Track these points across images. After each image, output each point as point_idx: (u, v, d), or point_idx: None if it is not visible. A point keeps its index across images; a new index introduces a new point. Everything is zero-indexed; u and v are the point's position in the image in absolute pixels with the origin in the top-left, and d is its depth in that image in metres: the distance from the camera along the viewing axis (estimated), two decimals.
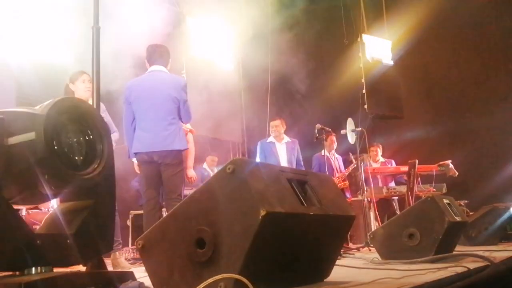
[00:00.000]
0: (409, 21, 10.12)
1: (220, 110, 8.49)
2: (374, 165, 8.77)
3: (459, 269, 2.96)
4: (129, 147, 4.78)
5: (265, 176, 2.21)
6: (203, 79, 8.34)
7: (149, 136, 4.60)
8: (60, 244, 1.43)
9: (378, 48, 10.66)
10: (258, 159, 7.10)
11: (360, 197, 7.90)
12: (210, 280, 1.73)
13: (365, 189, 7.62)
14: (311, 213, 2.33)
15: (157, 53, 4.85)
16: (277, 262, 2.24)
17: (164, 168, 4.65)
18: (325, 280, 2.67)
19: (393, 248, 4.02)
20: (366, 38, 10.50)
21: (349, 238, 7.62)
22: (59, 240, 1.42)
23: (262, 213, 2.00)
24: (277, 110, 8.94)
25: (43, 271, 1.42)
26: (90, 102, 4.70)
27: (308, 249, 2.43)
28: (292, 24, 9.38)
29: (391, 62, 10.80)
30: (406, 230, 3.97)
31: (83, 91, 4.64)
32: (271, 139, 7.32)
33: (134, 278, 1.48)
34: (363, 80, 10.09)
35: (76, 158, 1.43)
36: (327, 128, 7.32)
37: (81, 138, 1.45)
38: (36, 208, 5.56)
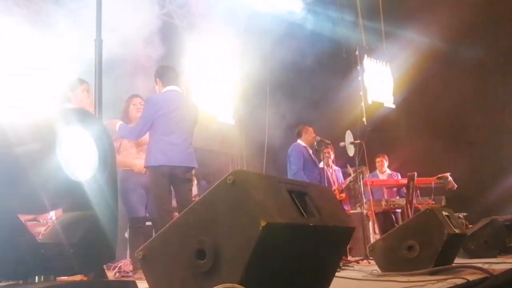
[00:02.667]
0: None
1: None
2: (381, 177, 8.78)
3: (459, 281, 2.98)
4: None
5: (266, 187, 2.22)
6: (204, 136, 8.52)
7: (177, 150, 4.83)
8: (63, 254, 1.44)
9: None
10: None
11: (359, 210, 7.92)
12: None
13: (364, 201, 7.65)
14: (311, 224, 2.34)
15: (172, 73, 5.15)
16: (277, 273, 2.24)
17: (181, 183, 4.89)
18: None
19: (392, 260, 4.02)
20: (366, 63, 10.58)
21: (348, 251, 7.60)
22: (62, 249, 1.43)
23: (263, 224, 2.00)
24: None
25: (46, 280, 1.43)
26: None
27: (308, 260, 2.44)
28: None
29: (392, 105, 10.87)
30: (405, 242, 3.98)
31: (82, 100, 4.69)
32: None
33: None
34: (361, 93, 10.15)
35: (79, 167, 1.44)
36: (327, 141, 7.35)
37: (83, 148, 1.46)
38: (35, 219, 5.56)
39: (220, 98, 9.81)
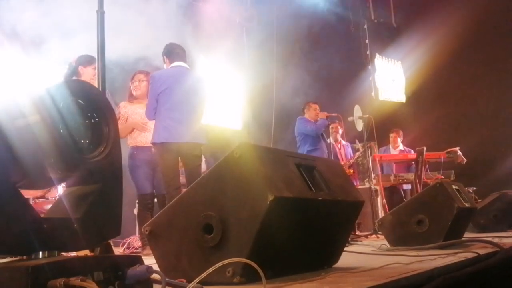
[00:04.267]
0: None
1: None
2: (393, 152, 8.71)
3: (469, 255, 2.95)
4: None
5: (273, 161, 2.19)
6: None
7: (181, 127, 4.74)
8: (67, 229, 1.41)
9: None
10: None
11: (367, 185, 7.88)
12: (218, 265, 1.71)
13: (373, 176, 7.61)
14: (320, 198, 2.31)
15: (177, 49, 5.06)
16: (285, 247, 2.22)
17: (188, 159, 4.83)
18: (333, 266, 2.65)
19: (401, 234, 3.99)
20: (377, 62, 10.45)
21: (356, 226, 7.60)
22: (66, 224, 1.41)
23: (270, 198, 1.98)
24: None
25: (50, 255, 1.40)
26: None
27: (317, 234, 2.41)
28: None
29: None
30: (415, 216, 3.94)
31: (91, 78, 4.65)
32: None
33: (142, 263, 1.46)
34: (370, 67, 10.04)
35: (82, 141, 1.41)
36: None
37: (86, 121, 1.43)
38: (43, 197, 5.58)
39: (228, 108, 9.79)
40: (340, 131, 8.04)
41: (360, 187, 8.21)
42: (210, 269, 1.66)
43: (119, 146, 1.57)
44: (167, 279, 1.60)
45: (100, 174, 1.50)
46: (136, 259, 1.46)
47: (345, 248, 3.80)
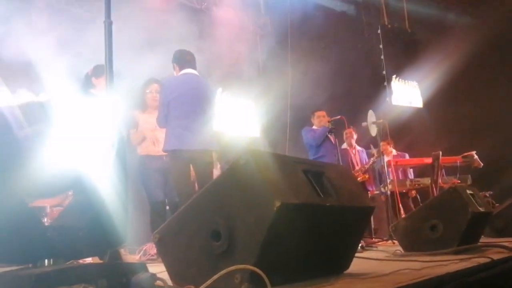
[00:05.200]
0: None
1: None
2: (386, 158, 8.59)
3: (482, 260, 2.91)
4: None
5: (280, 167, 2.19)
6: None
7: (191, 134, 4.75)
8: (71, 237, 1.43)
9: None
10: None
11: (382, 190, 7.82)
12: (223, 272, 1.71)
13: (388, 181, 7.54)
14: (328, 204, 2.31)
15: (187, 57, 5.07)
16: (294, 254, 2.21)
17: (200, 166, 4.83)
18: (344, 272, 2.64)
19: (415, 240, 3.96)
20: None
21: (373, 231, 7.55)
22: (70, 232, 1.43)
23: (277, 204, 1.97)
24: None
25: (55, 263, 1.42)
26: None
27: (326, 241, 2.40)
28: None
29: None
30: (429, 221, 3.90)
31: (105, 88, 4.68)
32: None
33: (146, 270, 1.47)
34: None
35: None
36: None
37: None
38: (60, 205, 5.63)
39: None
40: (355, 136, 8.00)
41: (376, 192, 8.16)
42: (215, 276, 1.67)
43: (124, 155, 1.58)
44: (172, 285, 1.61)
45: (104, 184, 1.52)
46: (140, 267, 1.47)
47: (359, 254, 3.80)
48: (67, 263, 1.46)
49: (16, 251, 1.35)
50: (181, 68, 5.04)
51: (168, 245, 2.29)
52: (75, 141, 1.41)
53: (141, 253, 5.30)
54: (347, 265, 2.65)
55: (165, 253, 2.31)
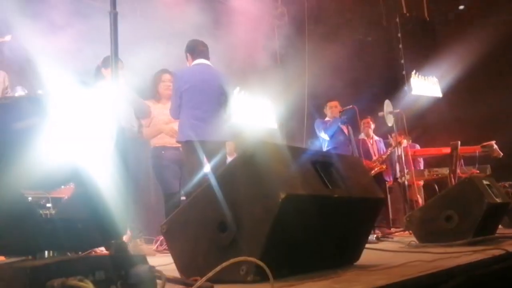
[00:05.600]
0: None
1: None
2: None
3: (497, 252, 2.86)
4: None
5: (287, 158, 2.17)
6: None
7: (205, 125, 4.75)
8: (71, 229, 1.43)
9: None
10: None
11: (400, 180, 7.74)
12: (224, 264, 1.70)
13: (406, 172, 7.47)
14: (336, 196, 2.28)
15: (200, 47, 5.05)
16: (301, 245, 2.20)
17: (212, 158, 4.78)
18: (355, 263, 2.62)
19: (430, 231, 3.91)
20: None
21: (391, 222, 7.50)
22: (69, 225, 1.43)
23: (282, 195, 1.96)
24: None
25: (55, 255, 1.42)
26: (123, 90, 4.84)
27: (335, 232, 2.38)
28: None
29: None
30: (444, 212, 3.85)
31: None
32: None
33: (146, 262, 1.47)
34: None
35: None
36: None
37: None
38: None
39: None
40: (372, 126, 7.91)
41: (394, 182, 8.09)
42: (217, 268, 1.66)
43: (123, 148, 1.58)
44: (175, 276, 1.60)
45: (104, 175, 1.52)
46: (140, 259, 1.46)
47: (371, 246, 3.77)
48: (68, 255, 1.46)
49: (15, 243, 1.36)
50: (194, 58, 5.02)
51: (176, 236, 2.30)
52: (73, 134, 1.41)
53: (157, 243, 5.34)
54: (357, 257, 2.63)
55: (172, 244, 2.31)
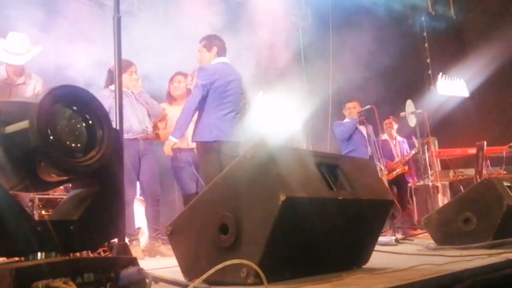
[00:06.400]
0: None
1: None
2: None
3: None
4: (181, 127, 4.81)
5: (288, 160, 2.15)
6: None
7: (223, 127, 4.72)
8: (63, 231, 1.45)
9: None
10: None
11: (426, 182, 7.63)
12: (218, 267, 1.70)
13: (430, 173, 7.38)
14: (340, 198, 2.26)
15: (223, 44, 5.02)
16: (304, 248, 2.18)
17: (224, 160, 4.66)
18: (363, 266, 2.59)
19: (448, 233, 3.84)
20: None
21: (416, 223, 7.41)
22: (61, 226, 1.45)
23: (282, 198, 1.95)
24: None
25: (47, 257, 1.45)
26: (136, 91, 4.89)
27: (340, 235, 2.36)
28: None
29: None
30: (462, 214, 3.78)
31: (126, 82, 4.73)
32: None
33: (136, 264, 1.48)
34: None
35: (74, 145, 1.44)
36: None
37: (78, 125, 1.46)
38: None
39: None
40: (395, 126, 7.83)
41: (418, 184, 7.99)
42: (211, 271, 1.66)
43: (118, 148, 1.59)
44: (168, 278, 1.61)
45: (99, 176, 1.53)
46: (130, 261, 1.47)
47: (391, 248, 3.72)
48: (59, 256, 1.48)
49: (6, 245, 1.38)
50: (218, 55, 4.97)
51: (179, 238, 2.31)
52: (58, 137, 1.43)
53: None
54: (364, 259, 2.60)
55: (176, 246, 2.32)
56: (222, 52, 4.99)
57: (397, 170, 7.18)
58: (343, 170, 2.42)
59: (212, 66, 4.94)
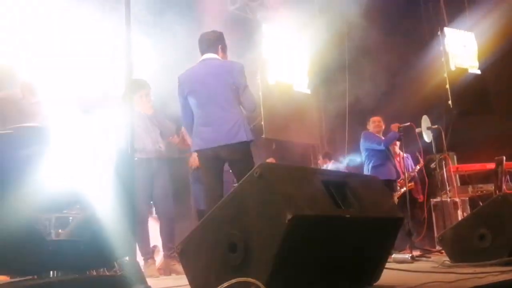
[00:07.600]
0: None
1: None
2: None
3: None
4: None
5: (295, 179, 2.19)
6: (280, 103, 8.83)
7: (210, 130, 4.17)
8: (73, 250, 1.50)
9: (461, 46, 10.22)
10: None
11: (444, 198, 7.55)
12: (225, 285, 1.74)
13: (448, 189, 7.32)
14: (348, 216, 2.28)
15: (205, 41, 4.40)
16: (313, 266, 2.21)
17: (231, 166, 4.31)
18: (374, 284, 2.60)
19: (463, 250, 3.82)
20: (447, 31, 10.09)
21: (436, 240, 7.32)
22: (72, 246, 1.51)
23: (289, 216, 1.98)
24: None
25: (59, 275, 1.50)
26: (149, 113, 4.96)
27: (349, 252, 2.38)
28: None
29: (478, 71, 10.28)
30: (477, 231, 3.76)
31: (139, 104, 4.82)
32: None
33: (144, 282, 1.53)
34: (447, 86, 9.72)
35: None
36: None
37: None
38: None
39: (296, 68, 10.00)
40: (398, 143, 7.73)
41: (435, 200, 7.91)
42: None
43: (124, 172, 1.65)
44: None
45: (105, 199, 1.59)
46: (138, 279, 1.52)
47: (405, 266, 3.70)
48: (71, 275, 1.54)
49: (20, 264, 1.44)
50: (202, 55, 4.42)
51: (190, 257, 2.35)
52: (74, 160, 1.49)
53: None
54: (376, 277, 2.61)
55: (187, 264, 2.36)
56: (206, 48, 4.39)
57: (403, 188, 7.10)
58: (351, 187, 2.44)
59: (182, 75, 4.41)
